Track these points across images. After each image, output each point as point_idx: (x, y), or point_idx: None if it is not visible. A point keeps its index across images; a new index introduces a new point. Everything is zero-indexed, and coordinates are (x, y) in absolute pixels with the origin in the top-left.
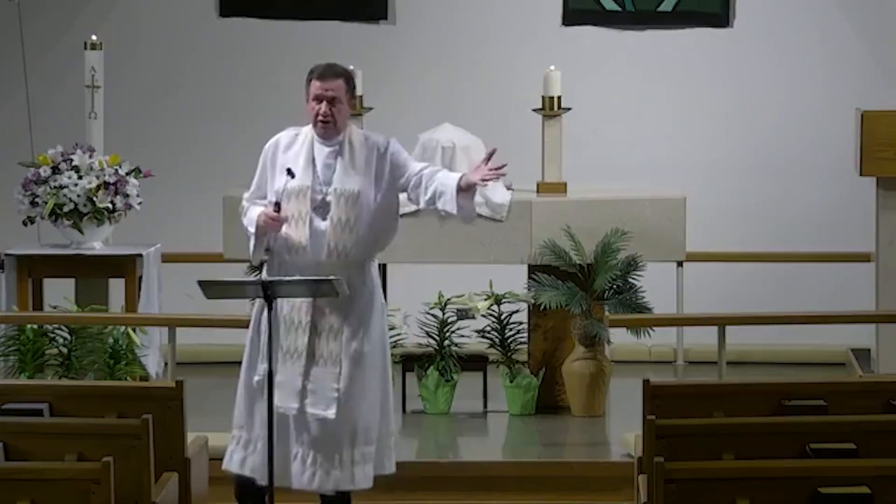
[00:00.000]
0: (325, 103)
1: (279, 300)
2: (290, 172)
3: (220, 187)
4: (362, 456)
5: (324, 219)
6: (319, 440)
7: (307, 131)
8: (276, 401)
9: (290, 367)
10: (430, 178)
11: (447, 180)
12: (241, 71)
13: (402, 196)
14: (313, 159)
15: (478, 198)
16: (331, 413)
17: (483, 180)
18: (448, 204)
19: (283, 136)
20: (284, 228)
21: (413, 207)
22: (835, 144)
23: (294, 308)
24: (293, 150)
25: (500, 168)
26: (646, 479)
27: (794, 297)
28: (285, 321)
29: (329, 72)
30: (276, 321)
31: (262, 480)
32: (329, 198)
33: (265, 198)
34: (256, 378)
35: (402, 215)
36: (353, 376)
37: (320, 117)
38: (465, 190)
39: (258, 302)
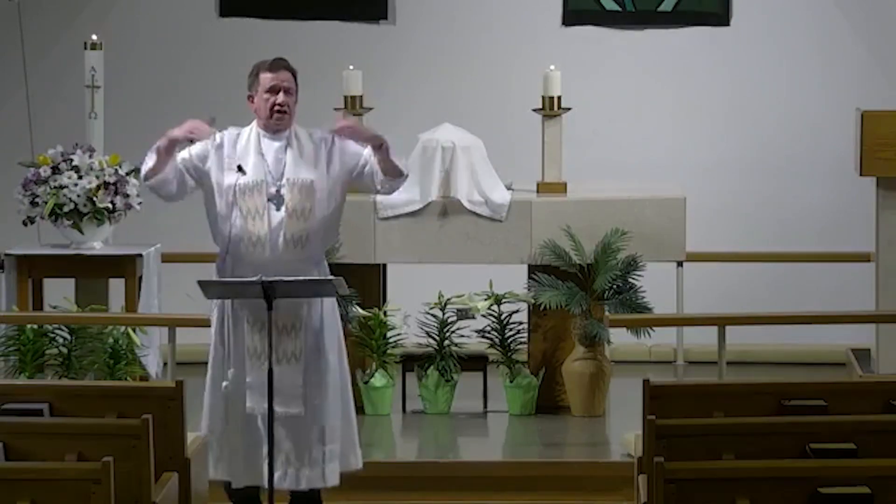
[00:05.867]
0: (281, 93)
1: (238, 302)
2: (240, 169)
3: None
4: (331, 453)
5: (279, 210)
6: (290, 439)
7: (251, 129)
8: (249, 402)
9: (259, 367)
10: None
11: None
12: (241, 71)
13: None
14: (262, 154)
15: (478, 197)
16: (299, 410)
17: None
18: (378, 175)
19: (227, 134)
20: (241, 223)
21: (414, 207)
22: (835, 144)
23: (255, 308)
24: (239, 147)
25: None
26: (646, 479)
27: (794, 297)
28: (248, 322)
29: (280, 64)
30: (240, 323)
31: (238, 483)
32: (283, 189)
33: (192, 167)
34: (225, 383)
35: (401, 215)
36: (314, 373)
37: (277, 107)
38: (378, 152)
39: (217, 306)
